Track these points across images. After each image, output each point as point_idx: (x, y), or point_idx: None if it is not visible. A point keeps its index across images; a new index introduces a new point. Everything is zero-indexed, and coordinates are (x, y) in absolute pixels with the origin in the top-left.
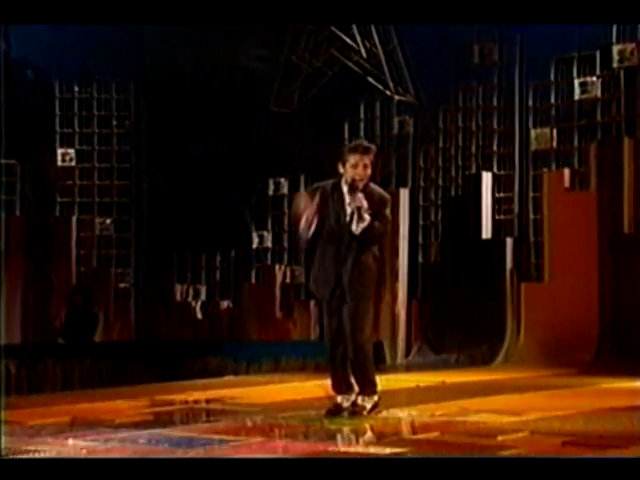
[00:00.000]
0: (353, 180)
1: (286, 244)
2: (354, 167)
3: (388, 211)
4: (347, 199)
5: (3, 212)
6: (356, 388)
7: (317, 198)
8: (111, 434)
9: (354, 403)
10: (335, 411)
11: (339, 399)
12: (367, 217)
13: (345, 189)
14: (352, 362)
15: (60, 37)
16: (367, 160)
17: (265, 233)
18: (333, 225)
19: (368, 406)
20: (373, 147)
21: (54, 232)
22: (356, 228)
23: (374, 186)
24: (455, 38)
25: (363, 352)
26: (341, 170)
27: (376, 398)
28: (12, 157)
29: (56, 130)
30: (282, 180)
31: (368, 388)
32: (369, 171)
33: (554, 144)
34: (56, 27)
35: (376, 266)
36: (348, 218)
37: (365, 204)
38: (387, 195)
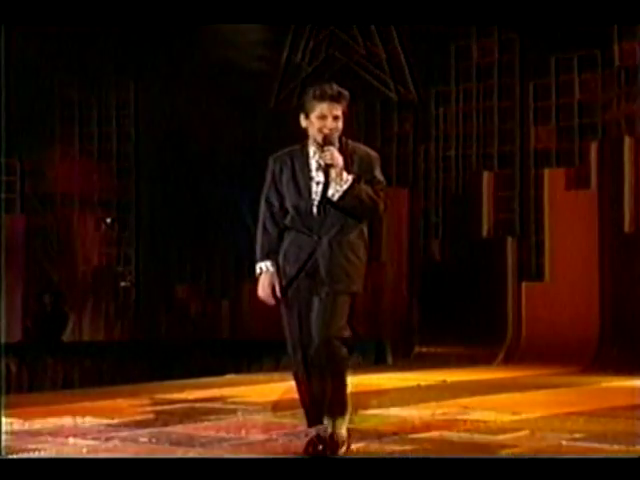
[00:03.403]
0: (323, 136)
1: None
2: (322, 118)
3: (378, 172)
4: (315, 163)
5: (3, 211)
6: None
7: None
8: (112, 433)
9: (331, 435)
10: (320, 448)
11: (315, 431)
12: (347, 177)
13: (312, 150)
14: (311, 367)
15: (60, 36)
16: (339, 110)
17: None
18: (299, 203)
19: (344, 432)
20: (345, 93)
21: (55, 231)
22: (333, 192)
23: (354, 143)
24: (455, 37)
25: (330, 349)
26: (304, 124)
27: (346, 422)
28: (13, 156)
29: (57, 129)
30: None
31: (336, 406)
32: (341, 124)
33: (555, 143)
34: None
35: (364, 251)
36: (320, 185)
37: (340, 161)
38: (374, 152)
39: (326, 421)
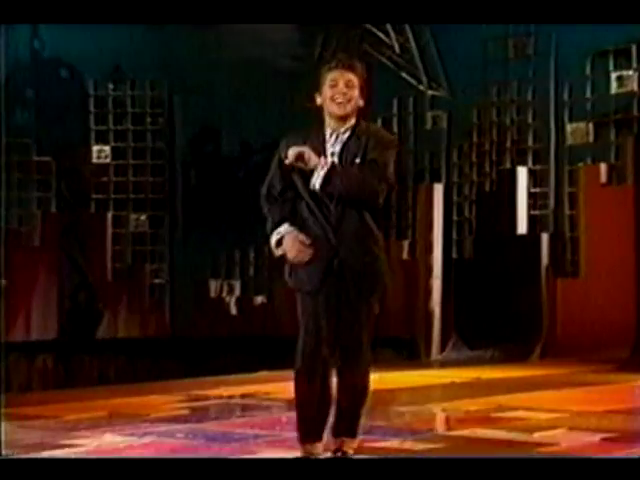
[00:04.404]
0: (333, 104)
1: None
2: (333, 86)
3: (383, 156)
4: (330, 147)
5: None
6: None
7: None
8: (148, 429)
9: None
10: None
11: (314, 447)
12: (325, 161)
13: (328, 132)
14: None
15: (93, 35)
16: (352, 77)
17: None
18: (308, 192)
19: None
20: (358, 63)
21: (89, 229)
22: (314, 180)
23: (371, 125)
24: (489, 32)
25: (358, 356)
26: (318, 101)
27: (356, 445)
28: (47, 154)
29: (91, 127)
30: None
31: (356, 427)
32: (356, 93)
33: (590, 138)
34: (89, 25)
35: (370, 240)
36: (324, 169)
37: (309, 154)
38: (389, 137)
39: (334, 440)
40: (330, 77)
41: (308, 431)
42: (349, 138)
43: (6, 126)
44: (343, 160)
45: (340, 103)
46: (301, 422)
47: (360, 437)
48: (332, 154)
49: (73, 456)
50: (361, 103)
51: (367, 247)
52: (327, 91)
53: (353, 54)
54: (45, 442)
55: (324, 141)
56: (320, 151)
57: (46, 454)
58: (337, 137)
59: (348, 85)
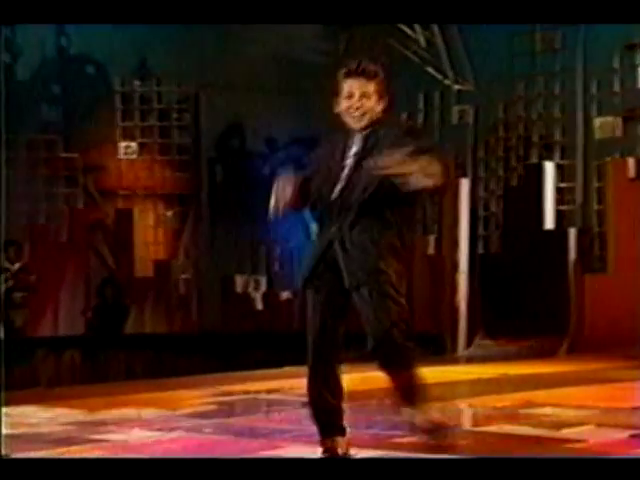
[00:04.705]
0: (348, 117)
1: None
2: (348, 97)
3: (410, 155)
4: (348, 148)
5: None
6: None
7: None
8: (175, 423)
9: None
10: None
11: (329, 442)
12: (380, 164)
13: (347, 136)
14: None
15: (119, 32)
16: (369, 87)
17: None
18: (322, 187)
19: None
20: (376, 68)
21: (116, 225)
22: (365, 186)
23: (392, 120)
24: (516, 26)
25: (390, 340)
26: (336, 109)
27: (435, 416)
28: (74, 151)
29: (117, 124)
30: None
31: (414, 396)
32: (372, 102)
33: (618, 132)
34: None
35: (390, 233)
36: (346, 170)
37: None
38: (411, 125)
39: (408, 411)
40: (346, 87)
41: (324, 427)
42: (368, 137)
43: (33, 123)
44: (365, 157)
45: (355, 117)
46: (315, 419)
47: (387, 432)
48: (352, 155)
49: (94, 454)
50: (379, 109)
51: (373, 256)
52: (343, 102)
53: (377, 50)
54: (73, 437)
55: (344, 143)
56: (338, 152)
57: (74, 449)
58: (358, 137)
59: (365, 96)
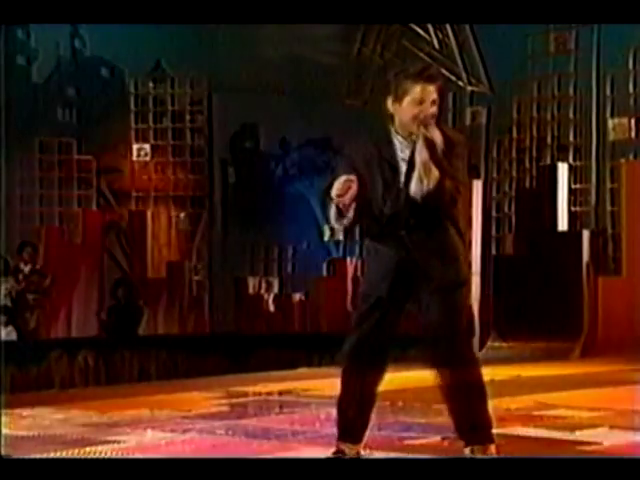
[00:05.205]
0: (414, 125)
1: (357, 237)
2: (419, 103)
3: (460, 153)
4: (400, 153)
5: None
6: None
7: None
8: (189, 425)
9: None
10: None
11: (342, 446)
12: (435, 171)
13: (398, 140)
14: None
15: (134, 34)
16: (435, 92)
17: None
18: (379, 199)
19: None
20: (440, 73)
21: (129, 226)
22: (416, 190)
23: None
24: (530, 27)
25: (461, 350)
26: (390, 109)
27: (493, 449)
28: (88, 153)
29: (131, 126)
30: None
31: (480, 431)
32: (436, 109)
33: (632, 134)
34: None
35: (454, 237)
36: (403, 178)
37: (430, 153)
38: (458, 135)
39: (468, 450)
40: (415, 90)
41: (347, 430)
42: (428, 143)
43: (47, 124)
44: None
45: (424, 123)
46: (341, 420)
47: (400, 434)
48: (402, 160)
49: (107, 455)
50: (437, 115)
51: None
52: (409, 106)
53: (391, 52)
54: (87, 438)
55: (395, 149)
56: (389, 158)
57: (88, 450)
58: (408, 143)
59: (434, 103)
